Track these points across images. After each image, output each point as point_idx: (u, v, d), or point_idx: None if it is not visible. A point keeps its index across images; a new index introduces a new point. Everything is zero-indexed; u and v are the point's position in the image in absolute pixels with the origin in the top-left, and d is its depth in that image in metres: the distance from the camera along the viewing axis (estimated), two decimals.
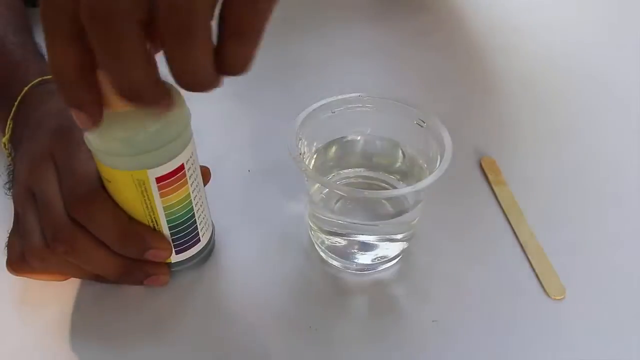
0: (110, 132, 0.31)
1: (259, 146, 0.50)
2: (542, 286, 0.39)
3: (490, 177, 0.47)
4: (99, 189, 0.34)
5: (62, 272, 0.37)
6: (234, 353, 0.36)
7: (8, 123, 0.42)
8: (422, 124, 0.39)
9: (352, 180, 0.42)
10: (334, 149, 0.41)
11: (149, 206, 0.34)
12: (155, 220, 0.35)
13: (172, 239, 0.36)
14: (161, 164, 0.32)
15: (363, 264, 0.40)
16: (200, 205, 0.37)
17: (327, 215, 0.39)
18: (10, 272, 0.36)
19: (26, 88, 0.43)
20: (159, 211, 0.35)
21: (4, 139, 0.43)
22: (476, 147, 0.49)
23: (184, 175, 0.34)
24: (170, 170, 0.33)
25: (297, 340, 0.36)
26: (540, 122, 0.53)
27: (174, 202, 0.35)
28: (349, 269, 0.40)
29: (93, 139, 0.31)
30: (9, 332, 0.37)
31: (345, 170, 0.42)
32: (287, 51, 0.60)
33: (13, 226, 0.38)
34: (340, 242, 0.40)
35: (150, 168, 0.32)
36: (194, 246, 0.38)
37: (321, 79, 0.56)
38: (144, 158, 0.32)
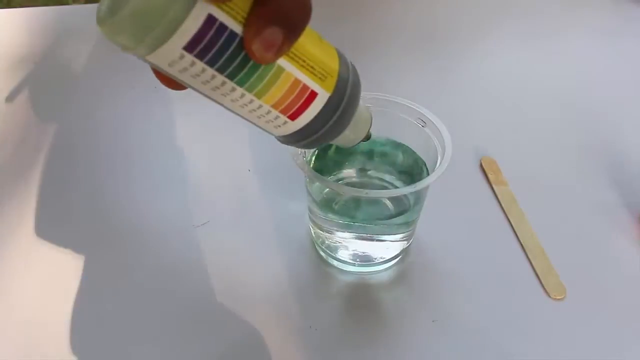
0: None
1: (259, 146, 0.50)
2: (542, 286, 0.39)
3: (490, 177, 0.47)
4: None
5: None
6: (233, 352, 0.36)
7: None
8: (422, 123, 0.39)
9: (352, 180, 0.42)
10: (334, 148, 0.41)
11: None
12: None
13: None
14: None
15: (363, 264, 0.40)
16: None
17: (327, 215, 0.39)
18: None
19: None
20: None
21: None
22: (476, 147, 0.49)
23: None
24: None
25: (297, 340, 0.36)
26: (541, 122, 0.53)
27: None
28: (348, 268, 0.40)
29: None
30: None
31: (345, 170, 0.42)
32: None
33: None
34: (340, 241, 0.40)
35: None
36: None
37: None
38: None
